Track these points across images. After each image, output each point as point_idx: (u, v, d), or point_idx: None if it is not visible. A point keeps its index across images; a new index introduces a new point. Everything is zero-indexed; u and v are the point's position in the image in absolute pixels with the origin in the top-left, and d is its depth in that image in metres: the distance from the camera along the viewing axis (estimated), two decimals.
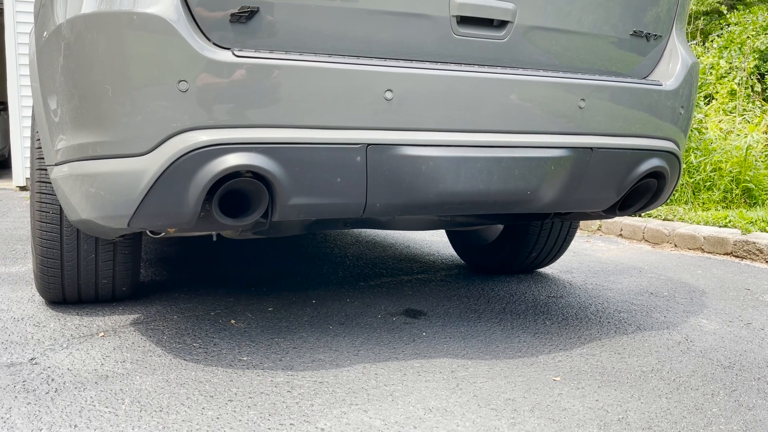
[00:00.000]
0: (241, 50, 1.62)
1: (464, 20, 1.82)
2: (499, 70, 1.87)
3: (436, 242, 4.15)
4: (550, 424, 1.59)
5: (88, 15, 1.63)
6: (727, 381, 1.91)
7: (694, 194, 5.26)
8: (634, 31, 2.09)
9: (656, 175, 2.18)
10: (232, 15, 1.62)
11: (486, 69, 1.85)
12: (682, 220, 4.59)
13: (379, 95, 1.72)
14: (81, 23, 1.64)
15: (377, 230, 4.58)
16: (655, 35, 2.14)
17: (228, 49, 1.62)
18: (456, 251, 3.52)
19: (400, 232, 4.53)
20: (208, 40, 1.61)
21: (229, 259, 3.47)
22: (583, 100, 1.96)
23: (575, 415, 1.65)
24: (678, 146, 2.20)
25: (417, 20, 1.78)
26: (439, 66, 1.80)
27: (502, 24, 1.86)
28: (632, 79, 2.09)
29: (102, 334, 2.15)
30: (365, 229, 4.61)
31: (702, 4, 12.50)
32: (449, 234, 3.52)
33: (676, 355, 2.12)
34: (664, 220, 4.65)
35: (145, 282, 2.86)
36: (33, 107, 2.10)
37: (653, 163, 2.13)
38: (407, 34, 1.78)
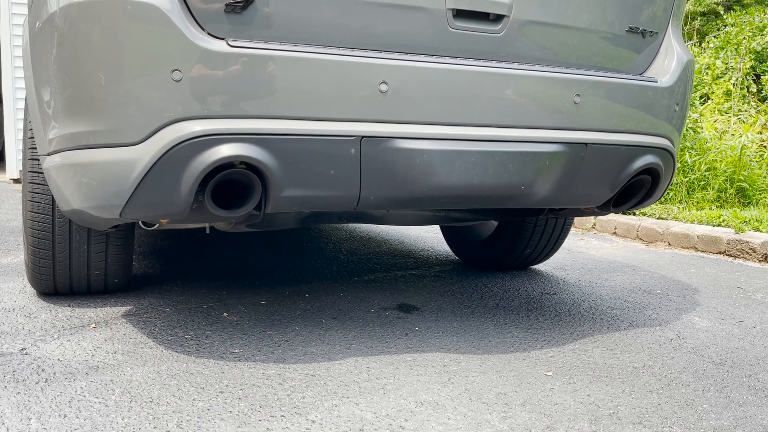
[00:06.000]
0: (236, 40, 1.62)
1: (460, 14, 1.81)
2: (494, 64, 1.86)
3: (430, 238, 4.15)
4: (542, 419, 1.59)
5: (82, 3, 1.62)
6: (718, 377, 1.92)
7: (688, 193, 5.27)
8: (630, 28, 2.09)
9: (650, 171, 2.18)
10: (227, 5, 1.61)
11: (481, 63, 1.85)
12: (676, 218, 4.60)
13: (374, 87, 1.72)
14: (74, 11, 1.63)
15: (372, 225, 4.58)
16: (651, 32, 2.14)
17: (222, 39, 1.61)
18: (450, 247, 3.51)
19: (395, 227, 4.53)
20: (203, 29, 1.60)
21: (222, 253, 3.46)
22: (578, 95, 1.96)
23: (566, 409, 1.65)
24: (672, 143, 2.20)
25: (413, 13, 1.77)
26: (434, 59, 1.79)
27: (498, 18, 1.86)
28: (628, 75, 2.09)
29: (93, 325, 2.14)
30: (360, 225, 4.60)
31: (699, 4, 12.52)
32: (444, 230, 3.52)
33: (668, 352, 2.12)
34: (658, 218, 4.66)
35: (137, 274, 2.85)
36: (26, 97, 2.09)
37: (647, 159, 2.13)
38: (403, 26, 1.77)
